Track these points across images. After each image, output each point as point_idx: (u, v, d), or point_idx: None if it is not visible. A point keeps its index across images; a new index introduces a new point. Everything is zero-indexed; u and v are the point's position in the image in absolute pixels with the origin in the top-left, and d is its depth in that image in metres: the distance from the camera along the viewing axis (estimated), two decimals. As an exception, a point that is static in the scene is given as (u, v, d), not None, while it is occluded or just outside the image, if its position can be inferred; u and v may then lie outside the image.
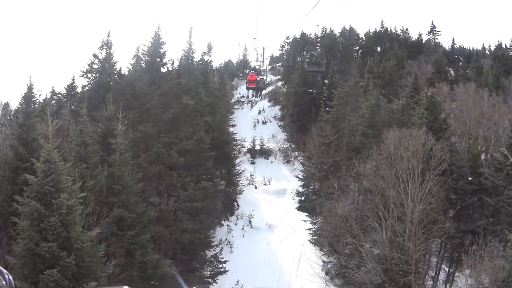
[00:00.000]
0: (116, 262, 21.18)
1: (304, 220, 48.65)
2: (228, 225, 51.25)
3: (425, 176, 28.95)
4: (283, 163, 70.03)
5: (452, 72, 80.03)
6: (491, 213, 30.95)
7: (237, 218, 53.35)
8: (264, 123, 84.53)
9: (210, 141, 47.59)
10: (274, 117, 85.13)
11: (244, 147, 72.25)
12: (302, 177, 56.74)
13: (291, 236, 49.73)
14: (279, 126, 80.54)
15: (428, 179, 28.62)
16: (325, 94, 73.26)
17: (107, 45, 43.28)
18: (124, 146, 23.79)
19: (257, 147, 72.67)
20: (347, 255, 35.24)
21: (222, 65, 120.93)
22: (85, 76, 42.92)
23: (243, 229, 51.33)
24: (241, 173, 57.42)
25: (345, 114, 44.69)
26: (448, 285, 33.44)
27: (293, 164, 67.95)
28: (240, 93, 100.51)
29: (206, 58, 63.99)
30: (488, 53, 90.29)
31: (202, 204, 35.05)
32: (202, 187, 34.61)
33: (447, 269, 34.16)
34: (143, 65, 38.38)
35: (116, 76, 40.89)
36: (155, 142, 33.24)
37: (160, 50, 38.28)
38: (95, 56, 42.38)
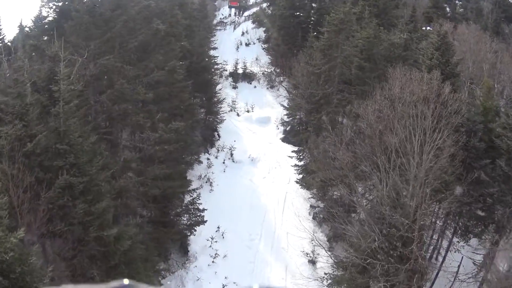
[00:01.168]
0: (65, 248, 16.38)
1: (290, 156, 43.84)
2: (208, 159, 46.27)
3: (435, 127, 24.06)
4: (267, 88, 64.23)
5: (448, 9, 73.80)
6: (503, 180, 26.17)
7: (218, 150, 48.30)
8: (247, 45, 78.13)
9: (188, 67, 42.59)
10: (258, 39, 78.51)
11: (226, 70, 66.44)
12: (288, 106, 51.57)
13: (276, 172, 45.14)
14: (263, 49, 73.96)
15: (440, 132, 23.73)
16: (312, 19, 66.77)
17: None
18: (69, 93, 18.00)
19: (240, 71, 66.61)
20: (338, 203, 31.05)
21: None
22: (46, 5, 36.84)
23: (224, 163, 46.44)
24: (222, 100, 51.85)
25: (338, 43, 38.76)
26: (450, 254, 29.37)
27: (278, 90, 62.33)
28: (222, 14, 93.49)
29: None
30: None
31: (175, 146, 29.81)
32: (174, 129, 29.04)
33: (450, 236, 29.80)
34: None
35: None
36: (119, 76, 27.64)
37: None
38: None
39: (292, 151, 44.61)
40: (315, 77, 40.02)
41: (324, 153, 33.28)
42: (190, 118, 39.99)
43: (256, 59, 70.45)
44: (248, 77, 66.09)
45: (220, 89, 53.47)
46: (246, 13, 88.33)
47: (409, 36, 41.20)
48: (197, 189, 35.47)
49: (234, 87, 64.19)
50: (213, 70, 55.02)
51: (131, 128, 29.92)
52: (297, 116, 50.19)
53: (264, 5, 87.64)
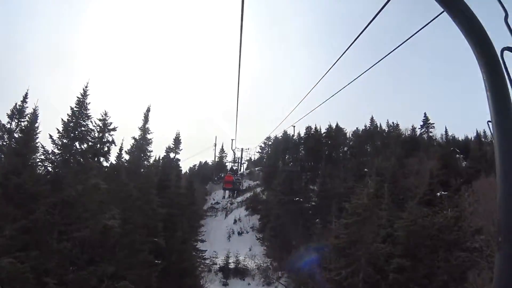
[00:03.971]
0: None
1: None
2: None
3: None
4: (263, 285, 52.21)
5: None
6: None
7: None
8: (240, 234, 67.62)
9: (165, 268, 32.52)
10: (251, 227, 68.23)
11: (216, 264, 55.08)
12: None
13: None
14: (257, 239, 63.17)
15: None
16: (313, 203, 57.12)
17: (21, 111, 27.82)
18: None
19: (231, 265, 55.20)
20: None
21: (196, 167, 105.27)
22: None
23: None
24: None
25: (362, 237, 27.91)
26: None
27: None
28: (214, 199, 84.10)
29: (172, 155, 47.96)
30: (484, 140, 76.48)
31: None
32: None
33: None
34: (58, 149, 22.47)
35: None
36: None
37: (81, 128, 22.80)
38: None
39: None
40: (333, 286, 28.51)
41: None
42: None
43: (250, 249, 59.68)
44: (240, 273, 54.55)
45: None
46: (239, 199, 78.95)
47: (457, 213, 29.56)
48: None
49: (225, 284, 52.42)
50: (199, 269, 43.88)
51: None
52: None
53: (258, 189, 78.61)
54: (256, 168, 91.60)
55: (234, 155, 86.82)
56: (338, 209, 48.91)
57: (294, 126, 48.67)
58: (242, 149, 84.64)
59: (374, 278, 27.96)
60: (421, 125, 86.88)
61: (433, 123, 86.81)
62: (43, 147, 21.63)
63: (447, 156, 57.21)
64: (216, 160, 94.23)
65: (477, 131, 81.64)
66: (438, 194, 43.40)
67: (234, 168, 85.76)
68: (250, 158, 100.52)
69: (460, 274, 25.06)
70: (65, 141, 21.87)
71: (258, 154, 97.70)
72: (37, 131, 22.23)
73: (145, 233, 29.90)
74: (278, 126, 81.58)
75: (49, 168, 21.52)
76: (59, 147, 21.75)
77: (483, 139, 76.84)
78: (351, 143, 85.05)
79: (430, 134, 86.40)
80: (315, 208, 55.51)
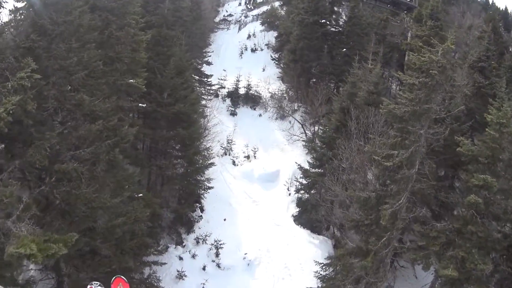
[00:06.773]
0: None
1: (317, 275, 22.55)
2: (180, 258, 25.60)
3: None
4: (276, 119, 43.06)
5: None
6: None
7: (197, 241, 26.96)
8: (253, 51, 56.92)
9: (153, 112, 24.21)
10: (266, 44, 57.14)
11: (224, 87, 45.54)
12: (308, 168, 30.56)
13: (284, 285, 24.76)
14: (272, 59, 52.66)
15: None
16: (340, 28, 45.11)
17: None
18: None
19: (242, 91, 45.56)
20: None
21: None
22: None
23: (204, 269, 25.45)
24: (209, 165, 29.25)
25: (428, 111, 16.99)
26: None
27: (290, 123, 41.22)
28: (227, 11, 71.71)
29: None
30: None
31: None
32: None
33: None
34: None
35: None
36: None
37: None
38: None
39: (316, 263, 23.57)
40: (378, 170, 18.71)
41: None
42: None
43: (263, 70, 49.87)
44: (251, 100, 45.03)
45: (209, 147, 31.05)
46: (254, 12, 66.70)
47: None
48: None
49: (233, 114, 43.37)
50: (204, 98, 34.64)
51: None
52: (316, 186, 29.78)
53: (277, 4, 65.54)
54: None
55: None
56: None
57: None
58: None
59: (431, 167, 18.27)
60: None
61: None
62: None
63: (495, 20, 43.72)
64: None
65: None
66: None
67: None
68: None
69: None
70: None
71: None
72: None
73: (118, 72, 19.86)
74: None
75: None
76: None
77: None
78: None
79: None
80: (342, 35, 43.83)
